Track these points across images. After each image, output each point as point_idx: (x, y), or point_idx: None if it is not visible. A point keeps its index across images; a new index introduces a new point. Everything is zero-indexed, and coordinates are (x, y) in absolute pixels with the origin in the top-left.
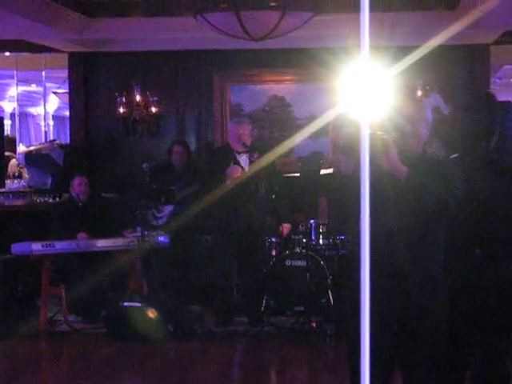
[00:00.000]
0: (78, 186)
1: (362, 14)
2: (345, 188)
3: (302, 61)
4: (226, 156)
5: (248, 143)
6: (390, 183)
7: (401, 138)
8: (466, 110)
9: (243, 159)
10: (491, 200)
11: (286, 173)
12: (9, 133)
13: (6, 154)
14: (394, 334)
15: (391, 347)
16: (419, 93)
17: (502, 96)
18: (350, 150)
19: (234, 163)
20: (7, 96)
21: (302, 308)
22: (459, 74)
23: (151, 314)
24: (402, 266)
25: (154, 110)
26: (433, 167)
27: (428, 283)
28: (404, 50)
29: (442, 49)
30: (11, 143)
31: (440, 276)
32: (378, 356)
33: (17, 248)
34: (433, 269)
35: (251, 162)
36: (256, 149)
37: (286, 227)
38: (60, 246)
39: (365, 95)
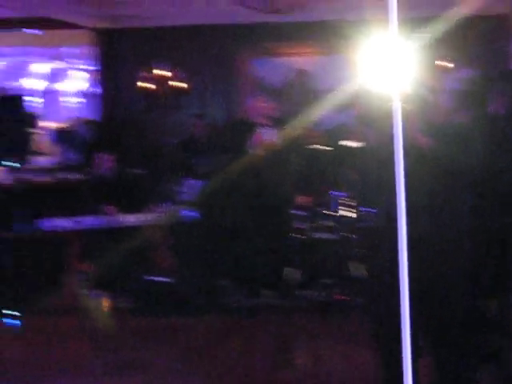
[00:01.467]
0: (106, 162)
1: None
2: (370, 160)
3: (325, 34)
4: (249, 129)
5: (271, 116)
6: (413, 153)
7: (424, 108)
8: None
9: (269, 133)
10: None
11: (312, 145)
12: (36, 110)
13: (33, 131)
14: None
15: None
16: (444, 64)
17: None
18: (373, 121)
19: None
20: (34, 73)
21: (330, 281)
22: (484, 45)
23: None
24: (427, 232)
25: (178, 85)
26: (456, 136)
27: (453, 249)
28: (427, 21)
29: (466, 20)
30: (38, 120)
31: (467, 242)
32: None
33: (45, 224)
34: (459, 234)
35: (275, 135)
36: (281, 122)
37: (303, 199)
38: (87, 221)
39: (392, 66)
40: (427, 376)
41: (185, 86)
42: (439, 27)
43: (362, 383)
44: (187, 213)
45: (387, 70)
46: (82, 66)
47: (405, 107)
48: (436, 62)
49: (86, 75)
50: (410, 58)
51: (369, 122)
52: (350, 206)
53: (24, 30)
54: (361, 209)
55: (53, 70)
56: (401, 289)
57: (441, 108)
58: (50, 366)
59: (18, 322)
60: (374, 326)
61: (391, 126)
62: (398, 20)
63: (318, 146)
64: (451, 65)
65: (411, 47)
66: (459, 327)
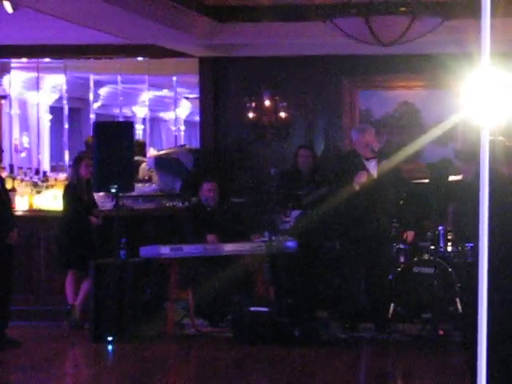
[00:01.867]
0: (208, 191)
1: (482, 19)
2: (467, 195)
3: (430, 67)
4: (353, 161)
5: (376, 148)
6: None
7: None
8: None
9: (372, 165)
10: None
11: (414, 179)
12: (140, 137)
13: (136, 158)
14: None
15: None
16: None
17: None
18: (471, 157)
19: (362, 169)
20: (139, 101)
21: (429, 315)
22: None
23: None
24: None
25: (283, 115)
26: None
27: None
28: None
29: None
30: (141, 148)
31: None
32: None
33: (146, 251)
34: None
35: (379, 168)
36: (384, 155)
37: (410, 234)
38: (188, 249)
39: (487, 101)
40: None
41: (290, 116)
42: None
43: None
44: (288, 243)
45: (483, 104)
46: (188, 95)
47: (502, 141)
48: None
49: (192, 104)
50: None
51: (467, 156)
52: (452, 241)
53: (133, 57)
54: (466, 244)
55: (160, 98)
56: (478, 323)
57: None
58: None
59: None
60: (471, 362)
61: (490, 161)
62: (500, 54)
63: (420, 180)
64: None
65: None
66: None
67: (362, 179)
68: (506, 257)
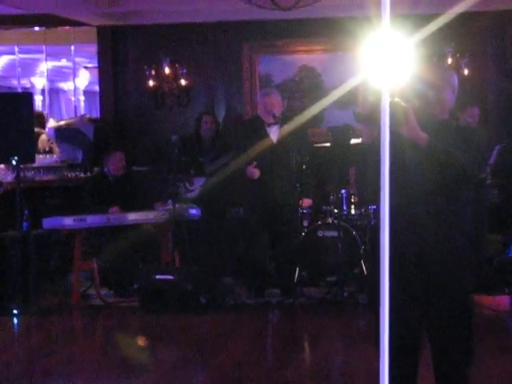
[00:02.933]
0: (117, 161)
1: None
2: (368, 157)
3: (330, 30)
4: (256, 128)
5: (278, 114)
6: (411, 151)
7: (424, 104)
8: None
9: (274, 130)
10: None
11: (317, 143)
12: (40, 108)
13: (36, 129)
14: (419, 305)
15: (417, 319)
16: (449, 60)
17: None
18: (371, 119)
19: (264, 136)
20: (37, 72)
21: (334, 278)
22: (490, 40)
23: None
24: (426, 236)
25: (183, 82)
26: (459, 134)
27: (453, 254)
28: (429, 18)
29: (471, 15)
30: (41, 119)
31: (467, 247)
32: (403, 328)
33: (48, 223)
34: (458, 239)
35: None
36: (286, 119)
37: (306, 201)
38: (91, 220)
39: (386, 63)
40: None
41: (190, 83)
42: (439, 23)
43: (367, 380)
44: (192, 210)
45: (384, 67)
46: (87, 65)
47: (399, 102)
48: (440, 58)
49: (92, 73)
50: (410, 54)
51: (366, 118)
52: (355, 204)
53: (30, 27)
54: (368, 206)
55: (59, 68)
56: (381, 287)
57: (444, 103)
58: (52, 365)
59: (22, 321)
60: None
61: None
62: (398, 16)
63: (322, 144)
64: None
65: (412, 43)
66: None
67: (253, 175)
68: (405, 220)
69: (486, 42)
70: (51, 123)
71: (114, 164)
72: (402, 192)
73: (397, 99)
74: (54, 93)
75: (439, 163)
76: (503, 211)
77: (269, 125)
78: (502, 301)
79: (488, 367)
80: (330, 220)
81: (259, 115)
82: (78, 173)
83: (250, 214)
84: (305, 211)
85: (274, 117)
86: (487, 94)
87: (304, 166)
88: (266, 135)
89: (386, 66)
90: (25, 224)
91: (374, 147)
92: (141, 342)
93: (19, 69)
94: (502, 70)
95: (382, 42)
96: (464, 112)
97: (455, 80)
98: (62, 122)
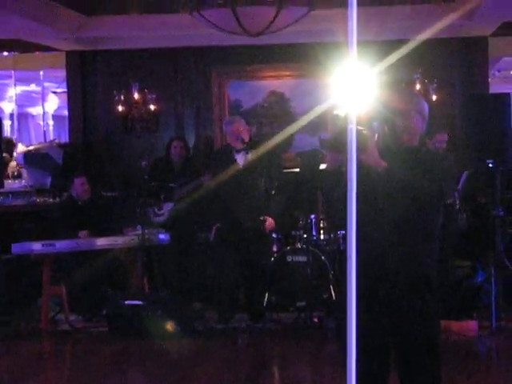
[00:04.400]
0: (80, 186)
1: (349, 9)
2: (333, 184)
3: (299, 56)
4: (224, 155)
5: (246, 139)
6: (376, 179)
7: (391, 132)
8: None
9: (240, 156)
10: None
11: (286, 168)
12: (9, 133)
13: (4, 155)
14: (387, 330)
15: (384, 345)
16: (417, 86)
17: (502, 88)
18: (335, 146)
19: (231, 162)
20: (6, 96)
21: (303, 303)
22: (458, 67)
23: (153, 312)
24: (392, 263)
25: (152, 107)
26: (427, 160)
27: (419, 280)
28: (396, 44)
29: (439, 42)
30: (10, 146)
31: (434, 272)
32: (371, 355)
33: (17, 248)
34: (424, 265)
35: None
36: (254, 145)
37: (269, 222)
38: (60, 245)
39: (353, 90)
40: None
41: (159, 108)
42: (406, 49)
43: None
44: (161, 235)
45: (351, 94)
46: (56, 89)
47: (360, 130)
48: (410, 84)
49: (60, 98)
50: (378, 81)
51: (331, 145)
52: (324, 229)
53: None
54: (337, 231)
55: (28, 92)
56: (348, 312)
57: (412, 131)
58: None
59: None
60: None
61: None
62: (365, 43)
63: (292, 170)
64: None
65: (379, 70)
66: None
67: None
68: (373, 247)
69: (453, 67)
70: (20, 148)
71: (78, 188)
72: (371, 218)
73: (359, 127)
74: (22, 117)
75: (400, 190)
76: (472, 236)
77: (237, 151)
78: (470, 326)
79: None
80: (299, 245)
81: (229, 143)
82: (46, 198)
83: (218, 238)
84: (274, 236)
85: (243, 142)
86: (455, 119)
87: (273, 192)
88: (233, 161)
89: (353, 93)
90: None
91: (340, 174)
92: (109, 367)
93: None
94: (470, 95)
95: (349, 69)
96: (433, 138)
97: (425, 107)
98: (31, 147)
